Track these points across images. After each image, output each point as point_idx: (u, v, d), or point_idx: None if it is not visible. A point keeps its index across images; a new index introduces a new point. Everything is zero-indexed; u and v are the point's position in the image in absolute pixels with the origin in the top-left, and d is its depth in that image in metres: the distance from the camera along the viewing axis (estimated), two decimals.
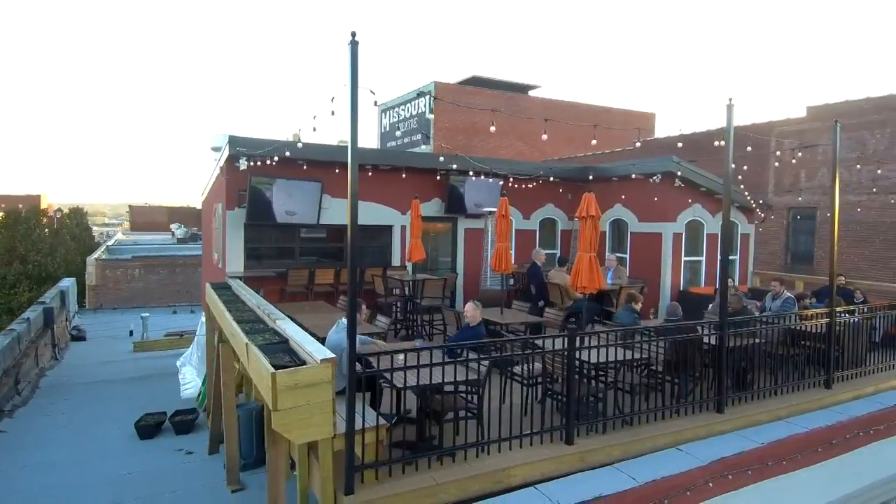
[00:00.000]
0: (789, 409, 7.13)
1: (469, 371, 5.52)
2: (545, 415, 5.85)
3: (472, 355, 5.43)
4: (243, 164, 10.18)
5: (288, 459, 5.06)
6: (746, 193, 12.88)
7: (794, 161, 18.17)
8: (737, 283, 13.21)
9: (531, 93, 41.31)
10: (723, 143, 6.72)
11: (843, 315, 8.19)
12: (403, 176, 11.89)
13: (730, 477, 5.81)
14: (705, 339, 6.82)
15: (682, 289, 12.29)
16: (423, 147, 29.79)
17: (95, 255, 29.78)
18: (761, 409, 6.96)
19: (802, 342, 8.18)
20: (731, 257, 13.33)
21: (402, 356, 5.02)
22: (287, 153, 10.19)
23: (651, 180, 12.06)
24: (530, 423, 5.74)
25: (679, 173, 11.91)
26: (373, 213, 11.87)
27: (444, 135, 32.70)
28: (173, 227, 52.15)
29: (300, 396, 4.36)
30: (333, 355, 4.54)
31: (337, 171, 11.15)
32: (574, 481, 5.15)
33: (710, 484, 5.66)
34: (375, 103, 4.86)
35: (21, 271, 26.83)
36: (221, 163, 10.87)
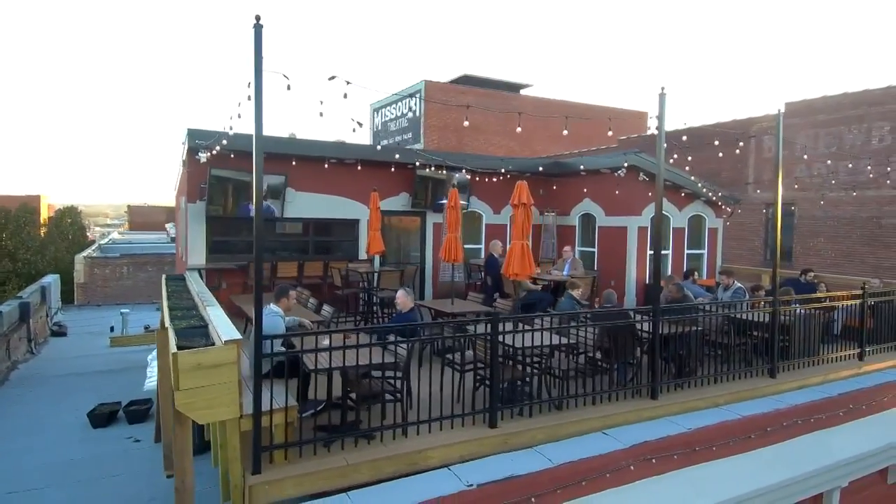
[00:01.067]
0: (729, 396, 7.16)
1: (394, 355, 5.58)
2: (476, 400, 5.93)
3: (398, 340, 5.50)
4: (203, 157, 10.27)
5: (194, 439, 5.13)
6: (705, 188, 12.90)
7: (769, 156, 18.23)
8: (703, 276, 13.25)
9: (523, 91, 41.39)
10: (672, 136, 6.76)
11: (794, 306, 8.24)
12: (371, 169, 11.97)
13: (653, 461, 5.87)
14: (640, 327, 6.88)
15: (647, 282, 12.32)
16: (415, 146, 29.85)
17: (84, 253, 29.90)
18: (699, 396, 6.99)
19: (752, 332, 8.25)
20: (698, 251, 13.38)
21: (326, 340, 5.09)
22: (248, 147, 10.24)
23: (616, 174, 12.10)
24: (461, 408, 5.80)
25: (642, 167, 11.94)
26: (339, 207, 11.93)
27: (435, 133, 32.79)
28: (168, 226, 52.30)
29: (204, 377, 4.43)
30: (239, 337, 4.60)
31: (306, 164, 11.24)
32: (489, 462, 5.20)
33: (632, 467, 5.72)
34: (288, 87, 4.91)
35: (10, 269, 26.99)
36: (183, 156, 10.95)
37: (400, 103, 38.19)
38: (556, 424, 5.95)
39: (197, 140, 10.09)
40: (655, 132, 6.72)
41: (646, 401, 6.67)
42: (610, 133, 11.57)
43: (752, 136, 18.86)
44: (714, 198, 12.83)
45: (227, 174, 10.54)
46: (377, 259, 12.21)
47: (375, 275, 10.01)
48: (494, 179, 13.39)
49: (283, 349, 5.34)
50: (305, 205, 11.61)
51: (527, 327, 6.03)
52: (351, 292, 10.33)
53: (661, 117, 6.62)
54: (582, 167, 13.04)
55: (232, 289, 10.92)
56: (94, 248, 33.85)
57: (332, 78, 4.91)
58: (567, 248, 11.55)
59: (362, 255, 12.24)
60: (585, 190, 13.32)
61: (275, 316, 5.58)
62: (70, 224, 39.80)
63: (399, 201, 12.58)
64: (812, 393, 7.60)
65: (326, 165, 11.48)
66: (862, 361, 8.85)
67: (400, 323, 6.30)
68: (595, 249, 13.16)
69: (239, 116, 5.96)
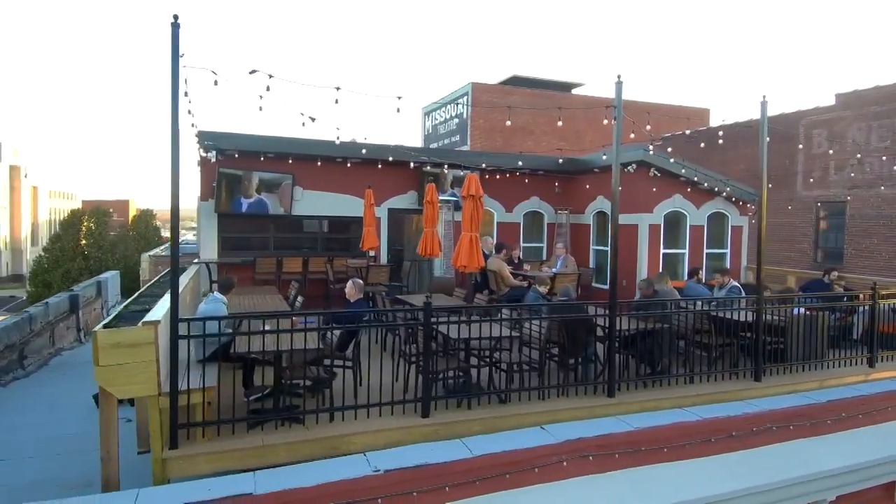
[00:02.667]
0: (699, 398, 6.82)
1: (331, 341, 5.73)
2: (418, 390, 5.96)
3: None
4: (213, 158, 10.84)
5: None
6: (727, 185, 12.26)
7: (819, 152, 17.04)
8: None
9: (575, 91, 40.76)
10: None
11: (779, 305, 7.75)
12: (379, 167, 12.21)
13: (590, 458, 5.69)
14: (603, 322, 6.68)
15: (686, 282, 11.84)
16: (462, 148, 30.03)
17: (151, 252, 31.99)
18: (663, 396, 6.71)
19: (744, 333, 7.82)
20: (720, 251, 12.75)
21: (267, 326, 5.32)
22: (259, 147, 10.76)
23: (626, 170, 11.74)
24: (402, 397, 5.85)
25: (653, 163, 11.52)
26: (346, 205, 12.22)
27: (482, 135, 32.87)
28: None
29: (123, 355, 4.74)
30: (156, 319, 4.89)
31: (314, 163, 11.62)
32: (408, 450, 5.21)
33: (564, 463, 5.58)
34: (216, 83, 5.16)
35: (83, 266, 29.32)
36: (198, 157, 11.57)
37: (449, 106, 38.60)
38: (495, 417, 5.90)
39: (206, 141, 10.65)
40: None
41: (601, 398, 6.48)
42: (648, 128, 11.18)
43: (774, 132, 17.72)
44: (728, 194, 12.18)
45: (231, 172, 11.06)
46: (385, 254, 12.43)
47: (361, 270, 10.20)
48: (506, 177, 13.31)
49: (226, 334, 5.58)
50: (313, 203, 11.99)
51: (462, 317, 6.01)
52: (342, 287, 10.56)
53: (618, 107, 6.42)
54: (598, 164, 12.74)
55: (242, 282, 11.41)
56: (162, 247, 36.17)
57: (253, 72, 5.12)
58: (560, 244, 11.31)
59: (371, 252, 12.48)
60: (596, 188, 12.99)
61: (217, 302, 5.86)
62: (144, 226, 42.73)
63: (407, 199, 12.74)
64: (799, 399, 7.10)
65: (334, 164, 11.79)
66: (872, 368, 8.17)
67: (347, 312, 6.43)
68: (607, 248, 12.78)
69: (189, 111, 6.23)
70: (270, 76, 5.15)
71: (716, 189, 12.22)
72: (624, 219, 12.35)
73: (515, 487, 5.29)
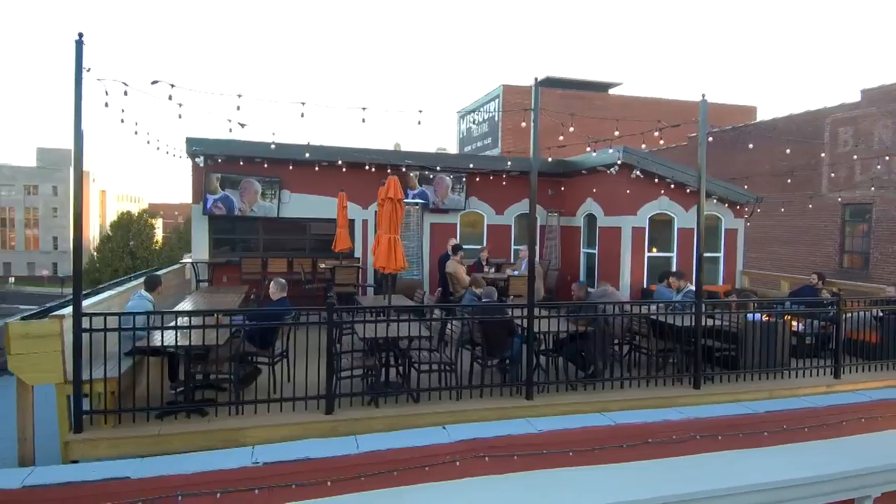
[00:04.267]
0: (628, 403, 6.68)
1: (242, 338, 6.00)
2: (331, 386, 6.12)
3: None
4: (200, 162, 11.40)
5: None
6: (721, 186, 11.82)
7: (845, 151, 16.09)
8: (720, 281, 12.17)
9: (612, 91, 40.09)
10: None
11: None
12: (366, 170, 12.48)
13: (486, 459, 5.71)
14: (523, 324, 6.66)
15: (644, 286, 11.58)
16: (493, 151, 30.08)
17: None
18: (588, 400, 6.62)
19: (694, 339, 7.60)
20: (713, 254, 12.31)
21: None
22: (245, 152, 11.25)
23: (608, 172, 11.54)
24: (317, 392, 6.03)
25: (636, 164, 11.27)
26: (332, 208, 12.53)
27: (513, 137, 32.84)
28: None
29: (31, 345, 5.15)
30: (62, 313, 5.28)
31: (294, 167, 12.01)
32: (294, 445, 5.36)
33: (457, 463, 5.62)
34: (125, 93, 5.50)
35: (130, 266, 31.16)
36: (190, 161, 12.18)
37: (482, 109, 38.75)
38: (400, 416, 6.00)
39: (193, 147, 11.21)
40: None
41: (518, 400, 6.46)
42: (657, 123, 10.87)
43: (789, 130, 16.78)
44: (720, 196, 11.75)
45: (225, 177, 11.59)
46: (369, 255, 12.67)
47: (330, 269, 10.47)
48: (496, 179, 13.32)
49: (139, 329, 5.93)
50: (300, 206, 12.38)
51: (367, 317, 6.14)
52: (316, 287, 10.89)
53: (535, 109, 6.40)
54: (586, 165, 12.57)
55: (231, 281, 11.95)
56: None
57: (155, 82, 5.45)
58: (523, 248, 11.21)
59: (357, 254, 12.77)
60: (585, 190, 12.81)
61: (142, 300, 6.24)
62: None
63: None
64: (737, 408, 6.84)
65: (320, 168, 12.14)
66: (838, 379, 7.74)
67: (269, 310, 6.69)
68: (596, 251, 12.59)
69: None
70: (172, 85, 5.48)
71: (707, 191, 11.78)
72: (608, 221, 12.17)
73: (403, 485, 5.39)
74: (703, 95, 7.17)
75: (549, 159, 14.20)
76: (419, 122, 7.16)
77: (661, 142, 11.37)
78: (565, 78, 37.69)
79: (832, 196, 17.14)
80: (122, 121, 6.20)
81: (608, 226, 12.12)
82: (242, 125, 6.60)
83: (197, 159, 11.35)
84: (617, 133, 9.79)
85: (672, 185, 11.67)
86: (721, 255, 12.23)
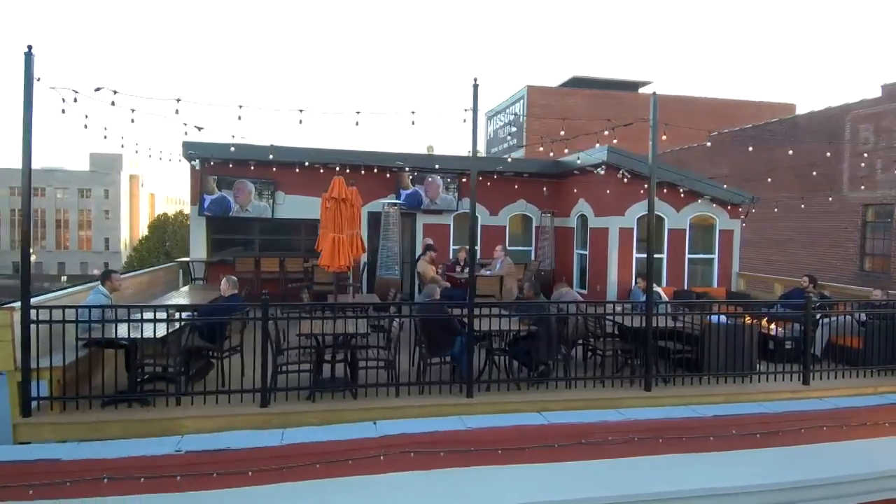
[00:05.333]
0: (571, 403, 6.65)
1: (189, 332, 6.28)
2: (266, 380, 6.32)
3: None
4: (196, 165, 11.88)
5: None
6: (715, 186, 11.53)
7: (866, 148, 15.39)
8: (715, 284, 11.87)
9: (642, 90, 39.45)
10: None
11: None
12: (362, 173, 12.72)
13: (412, 454, 5.80)
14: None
15: (631, 287, 11.39)
16: (518, 153, 30.06)
17: None
18: (529, 399, 6.64)
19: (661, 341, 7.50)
20: (707, 256, 12.01)
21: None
22: (240, 155, 11.67)
23: (595, 172, 11.43)
24: (252, 386, 6.27)
25: (621, 164, 11.12)
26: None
27: (538, 138, 32.76)
28: None
29: None
30: (12, 305, 5.67)
31: (294, 169, 12.37)
32: (219, 436, 5.60)
33: (382, 458, 5.74)
34: (75, 100, 5.86)
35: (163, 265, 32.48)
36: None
37: (508, 110, 38.74)
38: (335, 410, 6.16)
39: (190, 151, 11.69)
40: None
41: (458, 398, 6.54)
42: (667, 137, 10.73)
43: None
44: (713, 197, 11.46)
45: (221, 179, 12.05)
46: (366, 256, 12.91)
47: (308, 269, 10.74)
48: (490, 180, 13.35)
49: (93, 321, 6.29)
50: (294, 206, 12.72)
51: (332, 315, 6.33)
52: (297, 286, 11.18)
53: (474, 110, 6.46)
54: (576, 165, 12.48)
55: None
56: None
57: (99, 89, 5.78)
58: (498, 247, 11.17)
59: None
60: (577, 190, 12.71)
61: (98, 294, 6.61)
62: None
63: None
64: (684, 411, 6.71)
65: (314, 170, 12.44)
66: (806, 385, 7.48)
67: (221, 306, 6.96)
68: (587, 252, 12.47)
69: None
70: (115, 92, 5.80)
71: (695, 191, 11.55)
72: (597, 222, 12.05)
73: (325, 478, 5.54)
74: (654, 93, 7.10)
75: (552, 157, 14.16)
76: (413, 123, 7.21)
77: (664, 138, 11.20)
78: (592, 77, 37.29)
79: (853, 196, 16.40)
80: (86, 126, 6.57)
81: (598, 226, 11.99)
82: (199, 128, 6.90)
83: (193, 162, 11.84)
84: (601, 132, 9.73)
85: (662, 185, 11.45)
86: (716, 256, 11.91)
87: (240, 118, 6.73)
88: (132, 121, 6.33)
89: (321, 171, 12.56)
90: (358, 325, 6.51)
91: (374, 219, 13.26)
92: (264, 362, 6.05)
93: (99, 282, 6.82)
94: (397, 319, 6.59)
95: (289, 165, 12.38)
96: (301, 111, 7.08)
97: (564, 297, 7.94)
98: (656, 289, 8.44)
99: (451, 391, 6.62)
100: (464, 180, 13.17)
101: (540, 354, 6.91)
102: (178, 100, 6.24)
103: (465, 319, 6.53)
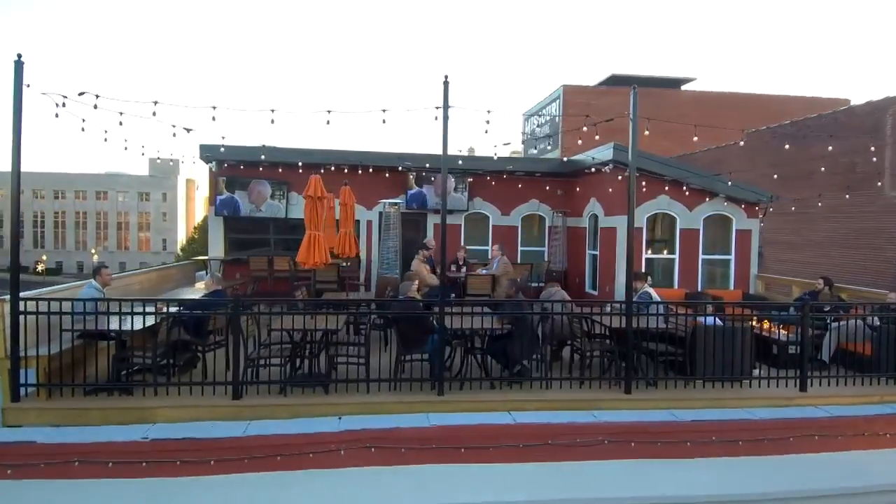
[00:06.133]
0: (545, 404, 6.54)
1: (168, 326, 6.55)
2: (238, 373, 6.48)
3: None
4: (213, 167, 12.33)
5: None
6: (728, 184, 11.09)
7: None
8: (731, 287, 11.41)
9: (684, 87, 38.42)
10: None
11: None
12: (371, 172, 12.90)
13: (372, 450, 5.84)
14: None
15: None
16: (554, 152, 29.77)
17: None
18: (501, 398, 6.58)
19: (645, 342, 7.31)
20: (723, 257, 11.57)
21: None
22: (254, 157, 12.07)
23: (603, 171, 11.20)
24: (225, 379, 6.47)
25: (627, 162, 10.82)
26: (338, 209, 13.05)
27: (574, 137, 32.35)
28: None
29: None
30: (3, 297, 6.05)
31: (302, 170, 12.65)
32: (187, 426, 5.81)
33: (342, 452, 5.81)
34: (63, 105, 6.18)
35: None
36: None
37: (545, 110, 38.42)
38: (304, 404, 6.29)
39: (206, 153, 12.15)
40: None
41: (430, 395, 6.54)
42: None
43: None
44: (729, 195, 11.03)
45: (237, 180, 12.48)
46: (375, 254, 13.08)
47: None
48: (502, 179, 13.28)
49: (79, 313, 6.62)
50: None
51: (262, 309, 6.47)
52: (299, 284, 11.40)
53: (444, 107, 6.46)
54: (587, 164, 12.26)
55: (243, 278, 12.79)
56: None
57: (82, 93, 6.08)
58: (495, 247, 11.03)
59: (362, 254, 13.18)
60: (589, 190, 12.47)
61: (90, 288, 6.95)
62: None
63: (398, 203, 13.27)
64: (662, 415, 6.49)
65: (327, 171, 12.67)
66: (804, 392, 7.10)
67: (205, 300, 7.20)
68: (597, 251, 12.22)
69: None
70: (97, 96, 6.11)
71: (709, 189, 11.15)
72: (607, 222, 11.81)
73: (286, 470, 5.66)
74: (634, 87, 6.91)
75: (564, 159, 13.97)
76: (383, 122, 7.29)
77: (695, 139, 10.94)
78: (632, 75, 36.55)
79: (894, 195, 15.42)
80: (83, 129, 6.92)
81: (607, 226, 11.73)
82: (188, 130, 7.16)
83: (210, 164, 12.29)
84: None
85: (673, 184, 11.12)
86: (732, 257, 11.44)
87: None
88: (120, 123, 6.63)
89: (335, 171, 12.80)
90: (329, 322, 6.61)
91: (380, 218, 13.44)
92: (236, 357, 6.23)
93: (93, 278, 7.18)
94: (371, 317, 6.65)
95: (300, 167, 12.65)
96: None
97: (553, 296, 7.83)
98: (648, 289, 8.17)
99: (421, 388, 6.63)
100: (469, 180, 13.14)
101: (515, 353, 6.83)
102: (155, 103, 6.46)
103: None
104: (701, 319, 7.39)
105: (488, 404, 6.50)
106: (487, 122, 6.55)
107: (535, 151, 36.00)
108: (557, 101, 34.89)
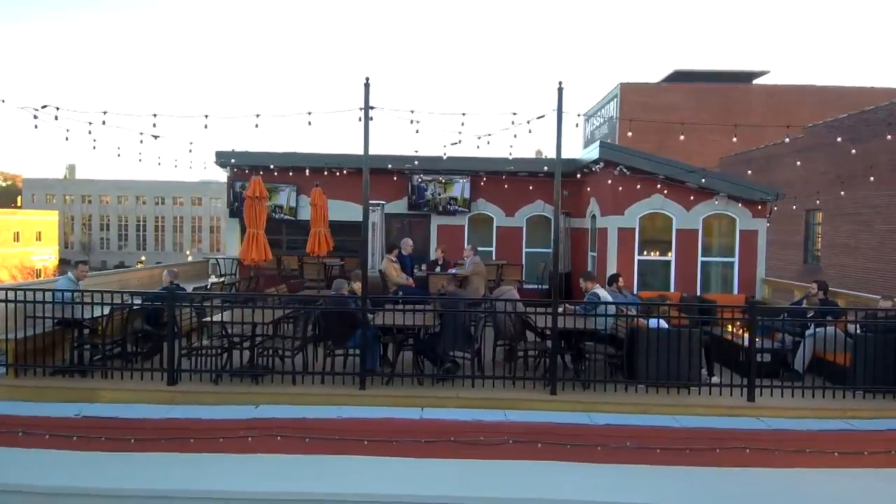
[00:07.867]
0: (463, 401, 6.57)
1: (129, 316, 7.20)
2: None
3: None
4: (228, 172, 13.20)
5: None
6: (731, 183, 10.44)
7: None
8: (735, 291, 10.75)
9: (756, 81, 36.26)
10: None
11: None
12: (376, 175, 13.27)
13: (279, 438, 6.13)
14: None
15: (633, 291, 10.68)
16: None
17: None
18: (421, 394, 6.68)
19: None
20: (727, 259, 10.91)
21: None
22: (264, 161, 12.84)
23: (592, 170, 10.92)
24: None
25: (619, 161, 10.51)
26: (345, 210, 13.48)
27: (633, 137, 31.55)
28: None
29: None
30: None
31: (310, 174, 13.26)
32: (120, 407, 6.35)
33: (250, 439, 6.15)
34: (39, 114, 6.98)
35: None
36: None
37: (603, 110, 37.53)
38: (231, 393, 6.70)
39: (222, 159, 13.02)
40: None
41: (353, 389, 6.76)
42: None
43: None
44: (731, 194, 10.42)
45: (243, 183, 13.27)
46: (379, 254, 13.42)
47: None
48: (506, 181, 13.23)
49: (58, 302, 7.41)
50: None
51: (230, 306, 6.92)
52: (298, 282, 11.91)
53: (365, 108, 6.66)
54: (583, 164, 11.99)
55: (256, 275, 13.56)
56: None
57: (45, 107, 6.82)
58: (468, 247, 10.89)
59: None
60: (590, 190, 12.16)
61: (67, 280, 7.74)
62: None
63: (402, 205, 13.57)
64: (578, 417, 6.33)
65: (332, 174, 13.19)
66: (751, 402, 6.66)
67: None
68: (595, 252, 11.89)
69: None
70: (58, 108, 6.85)
71: (709, 189, 10.56)
72: (602, 222, 11.58)
73: (199, 452, 6.08)
74: (560, 83, 6.76)
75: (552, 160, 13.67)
76: (309, 124, 7.53)
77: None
78: (696, 70, 34.91)
79: None
80: (67, 139, 7.74)
81: (602, 227, 11.41)
82: (155, 137, 7.83)
83: (225, 169, 13.16)
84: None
85: (668, 183, 10.65)
86: (736, 260, 10.76)
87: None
88: (93, 139, 7.39)
89: (343, 174, 13.28)
90: (260, 317, 6.98)
91: (388, 220, 13.76)
92: (171, 346, 6.75)
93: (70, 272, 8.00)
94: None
95: (310, 171, 13.24)
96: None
97: (503, 295, 7.82)
98: (598, 290, 7.90)
99: (345, 382, 6.86)
100: (485, 181, 13.19)
101: (445, 349, 6.90)
102: (152, 115, 7.16)
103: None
104: (648, 322, 7.11)
105: (407, 399, 6.61)
106: (414, 122, 6.62)
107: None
108: (615, 100, 33.88)
